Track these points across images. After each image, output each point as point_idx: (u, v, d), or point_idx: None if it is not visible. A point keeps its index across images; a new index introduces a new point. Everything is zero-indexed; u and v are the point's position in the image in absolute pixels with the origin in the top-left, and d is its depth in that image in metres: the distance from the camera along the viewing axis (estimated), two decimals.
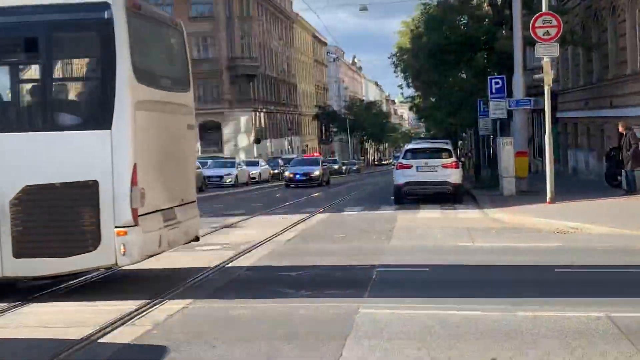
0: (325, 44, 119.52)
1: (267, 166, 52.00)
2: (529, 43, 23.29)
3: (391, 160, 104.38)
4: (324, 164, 45.61)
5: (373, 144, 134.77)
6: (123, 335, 7.37)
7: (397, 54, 47.31)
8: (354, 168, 79.45)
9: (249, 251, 13.27)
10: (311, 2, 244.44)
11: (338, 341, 6.84)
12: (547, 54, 19.67)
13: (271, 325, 7.61)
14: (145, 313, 8.33)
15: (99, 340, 7.21)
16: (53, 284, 9.98)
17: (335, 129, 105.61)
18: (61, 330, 7.64)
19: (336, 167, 68.63)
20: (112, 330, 7.59)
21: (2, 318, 8.36)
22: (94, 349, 6.92)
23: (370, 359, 6.30)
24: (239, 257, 12.59)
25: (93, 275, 10.95)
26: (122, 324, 7.83)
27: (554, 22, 19.83)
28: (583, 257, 11.60)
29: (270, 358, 6.47)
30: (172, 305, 8.68)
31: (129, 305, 8.63)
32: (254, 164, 50.26)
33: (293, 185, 40.16)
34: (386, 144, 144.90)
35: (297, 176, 41.12)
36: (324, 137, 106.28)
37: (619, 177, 22.51)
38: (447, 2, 32.71)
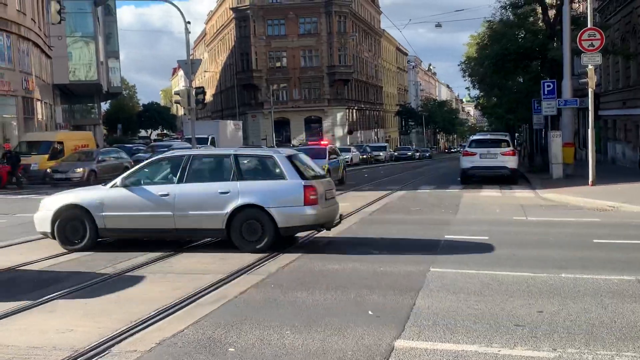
0: (406, 54, 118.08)
1: (357, 152, 51.70)
2: (576, 53, 22.59)
3: (459, 149, 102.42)
4: (332, 156, 24.66)
5: (444, 135, 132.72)
6: (244, 282, 7.59)
7: (466, 62, 46.14)
8: (427, 155, 78.25)
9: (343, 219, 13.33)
10: (395, 20, 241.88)
11: (412, 292, 6.86)
12: (591, 62, 19.04)
13: (358, 278, 7.67)
14: (262, 265, 8.54)
15: (227, 284, 7.46)
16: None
17: (412, 123, 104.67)
18: (199, 275, 7.94)
19: (409, 153, 67.76)
20: (236, 277, 7.83)
21: (155, 265, 8.74)
22: (222, 291, 7.18)
23: (438, 307, 6.29)
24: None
25: None
26: (244, 273, 8.07)
27: (598, 36, 19.18)
28: (618, 231, 11.19)
29: (358, 303, 6.54)
30: (283, 260, 8.86)
31: (250, 258, 8.88)
32: (347, 150, 50.07)
33: None
34: (454, 135, 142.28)
35: None
36: (403, 129, 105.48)
37: None
38: (507, 19, 31.96)
